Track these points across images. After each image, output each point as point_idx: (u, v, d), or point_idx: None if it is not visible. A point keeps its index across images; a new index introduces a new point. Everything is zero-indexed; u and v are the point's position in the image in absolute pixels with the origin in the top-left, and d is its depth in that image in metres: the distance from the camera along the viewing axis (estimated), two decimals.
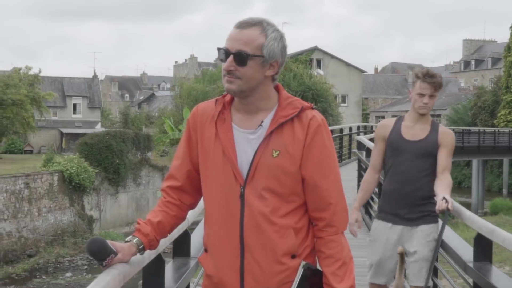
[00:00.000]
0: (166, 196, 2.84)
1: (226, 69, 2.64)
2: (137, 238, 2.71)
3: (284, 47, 2.70)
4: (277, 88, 2.74)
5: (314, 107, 2.72)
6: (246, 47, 2.61)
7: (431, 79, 4.62)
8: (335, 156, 2.76)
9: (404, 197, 4.70)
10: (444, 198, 4.31)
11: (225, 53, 2.63)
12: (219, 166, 2.68)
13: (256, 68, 2.63)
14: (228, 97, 2.74)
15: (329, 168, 2.70)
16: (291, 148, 2.63)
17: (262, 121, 2.67)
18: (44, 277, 25.54)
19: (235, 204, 2.64)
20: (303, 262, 2.66)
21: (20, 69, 50.44)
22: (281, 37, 2.68)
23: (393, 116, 70.98)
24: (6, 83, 45.08)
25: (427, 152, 4.67)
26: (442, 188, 4.47)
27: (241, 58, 2.61)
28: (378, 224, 4.89)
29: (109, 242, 2.61)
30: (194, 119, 2.78)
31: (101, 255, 2.56)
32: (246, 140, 2.67)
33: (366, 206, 11.44)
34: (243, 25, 2.65)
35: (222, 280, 2.68)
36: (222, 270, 2.67)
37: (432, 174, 4.66)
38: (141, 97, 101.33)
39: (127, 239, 2.73)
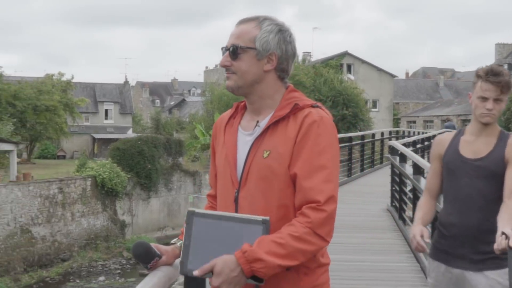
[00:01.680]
0: (209, 203, 2.89)
1: (221, 65, 2.65)
2: (181, 241, 2.72)
3: (283, 40, 2.61)
4: (287, 89, 2.66)
5: (315, 105, 2.58)
6: (239, 40, 2.60)
7: (496, 78, 3.61)
8: (332, 156, 2.51)
9: (465, 232, 3.69)
10: (503, 233, 3.24)
11: (225, 50, 2.65)
12: (221, 171, 2.68)
13: (250, 61, 2.59)
14: (244, 102, 2.74)
15: (318, 166, 2.47)
16: (281, 147, 2.52)
17: (258, 121, 2.63)
18: (77, 281, 25.77)
19: (231, 209, 2.60)
20: (263, 218, 2.44)
21: (53, 75, 51.06)
22: (279, 30, 2.60)
23: (425, 121, 69.86)
24: (40, 89, 45.70)
25: (491, 172, 3.65)
26: (506, 218, 3.43)
27: (233, 52, 2.60)
28: (433, 266, 3.86)
29: (153, 245, 2.65)
30: (215, 127, 2.82)
31: (146, 258, 2.61)
32: (244, 142, 2.64)
33: (400, 212, 11.38)
34: (241, 21, 2.65)
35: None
36: None
37: (501, 201, 3.59)
38: (172, 103, 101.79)
39: (172, 241, 2.77)
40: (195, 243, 2.46)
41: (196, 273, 2.40)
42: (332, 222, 2.47)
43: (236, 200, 2.59)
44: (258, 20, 2.61)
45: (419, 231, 3.70)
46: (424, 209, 3.92)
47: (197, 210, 2.47)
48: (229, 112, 2.78)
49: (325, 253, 2.66)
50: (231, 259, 2.36)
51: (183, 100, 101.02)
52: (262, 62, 2.59)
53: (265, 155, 2.54)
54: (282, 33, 2.61)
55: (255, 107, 2.66)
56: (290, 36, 2.63)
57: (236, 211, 2.57)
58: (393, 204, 12.59)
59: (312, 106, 2.57)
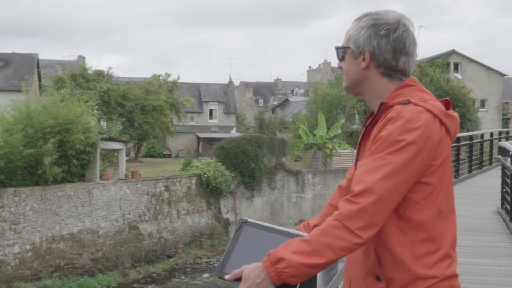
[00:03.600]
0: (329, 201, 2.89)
1: (338, 67, 2.64)
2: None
3: (375, 35, 2.46)
4: (397, 87, 2.48)
5: (404, 102, 2.36)
6: (342, 42, 2.59)
7: None
8: (394, 151, 2.28)
9: None
10: None
11: None
12: None
13: (350, 61, 2.54)
14: None
15: (372, 159, 2.29)
16: (367, 147, 2.42)
17: (365, 123, 2.58)
18: (182, 277, 26.26)
19: None
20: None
21: (159, 76, 52.32)
22: (372, 25, 2.47)
23: None
24: (147, 89, 46.93)
25: None
26: None
27: (338, 53, 2.60)
28: None
29: None
30: None
31: None
32: None
33: (511, 214, 11.03)
34: (353, 21, 2.60)
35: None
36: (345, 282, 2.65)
37: None
38: (275, 102, 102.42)
39: None
40: (238, 249, 2.45)
41: (227, 277, 2.37)
42: (367, 216, 2.21)
43: None
44: (360, 18, 2.53)
45: None
46: None
47: (249, 220, 2.48)
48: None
49: (437, 263, 2.38)
50: (258, 266, 2.26)
51: (286, 100, 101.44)
52: (358, 60, 2.51)
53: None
54: (375, 27, 2.46)
55: (371, 106, 2.57)
56: (387, 29, 2.45)
57: None
58: (504, 206, 12.24)
59: (402, 104, 2.36)
